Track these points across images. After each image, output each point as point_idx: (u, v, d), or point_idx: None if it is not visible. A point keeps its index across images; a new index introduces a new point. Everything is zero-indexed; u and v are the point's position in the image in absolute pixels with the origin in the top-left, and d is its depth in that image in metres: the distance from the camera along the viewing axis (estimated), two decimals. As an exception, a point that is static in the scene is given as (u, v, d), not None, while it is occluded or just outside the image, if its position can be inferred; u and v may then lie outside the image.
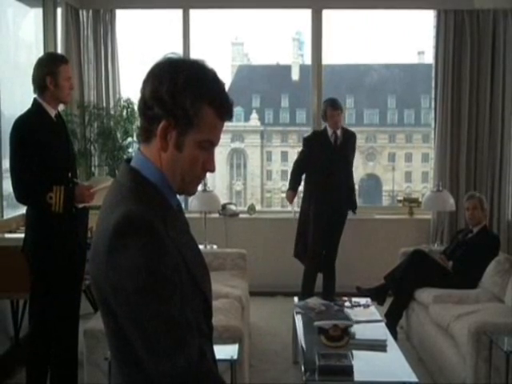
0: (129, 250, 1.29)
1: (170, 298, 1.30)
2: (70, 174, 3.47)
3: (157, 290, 1.29)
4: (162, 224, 1.35)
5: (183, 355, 1.30)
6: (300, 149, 5.80)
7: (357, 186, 7.33)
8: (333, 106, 5.43)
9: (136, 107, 5.21)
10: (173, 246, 1.35)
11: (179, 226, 1.45)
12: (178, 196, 1.50)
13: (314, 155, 5.47)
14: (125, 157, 5.60)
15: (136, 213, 1.33)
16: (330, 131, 5.47)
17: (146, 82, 1.40)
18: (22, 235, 3.58)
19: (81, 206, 3.45)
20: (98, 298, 1.38)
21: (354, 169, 5.84)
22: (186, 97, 1.37)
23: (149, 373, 1.33)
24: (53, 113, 3.43)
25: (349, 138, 5.56)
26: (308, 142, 5.62)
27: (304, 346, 3.67)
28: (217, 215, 6.28)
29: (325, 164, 5.40)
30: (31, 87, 3.46)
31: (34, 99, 3.42)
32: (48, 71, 3.36)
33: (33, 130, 3.32)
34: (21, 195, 3.36)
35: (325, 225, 5.42)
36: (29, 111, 3.42)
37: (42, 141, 3.32)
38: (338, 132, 5.47)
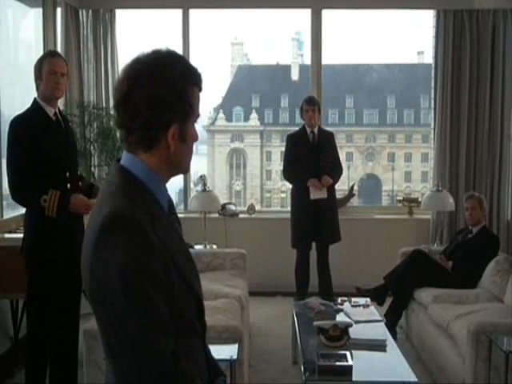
0: (114, 247, 1.29)
1: (150, 299, 1.29)
2: (67, 174, 3.45)
3: (136, 289, 1.28)
4: (150, 222, 1.35)
5: (155, 357, 1.28)
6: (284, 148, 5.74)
7: (356, 187, 7.33)
8: (308, 102, 5.44)
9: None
10: (160, 245, 1.34)
11: (168, 225, 1.45)
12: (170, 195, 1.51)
13: (295, 153, 5.45)
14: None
15: (123, 210, 1.33)
16: (308, 130, 5.45)
17: (131, 92, 1.38)
18: (22, 235, 3.57)
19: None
20: (89, 295, 1.37)
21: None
22: (186, 90, 1.40)
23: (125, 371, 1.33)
24: (51, 111, 3.42)
25: (326, 138, 5.49)
26: (291, 139, 5.57)
27: (303, 345, 3.67)
28: (216, 215, 6.27)
29: (302, 163, 5.37)
30: (31, 87, 3.48)
31: (34, 98, 3.44)
32: (37, 66, 3.40)
33: (28, 128, 3.32)
34: (15, 194, 3.36)
35: (307, 221, 5.35)
36: (27, 109, 3.43)
37: (38, 139, 3.31)
38: (315, 131, 5.46)
